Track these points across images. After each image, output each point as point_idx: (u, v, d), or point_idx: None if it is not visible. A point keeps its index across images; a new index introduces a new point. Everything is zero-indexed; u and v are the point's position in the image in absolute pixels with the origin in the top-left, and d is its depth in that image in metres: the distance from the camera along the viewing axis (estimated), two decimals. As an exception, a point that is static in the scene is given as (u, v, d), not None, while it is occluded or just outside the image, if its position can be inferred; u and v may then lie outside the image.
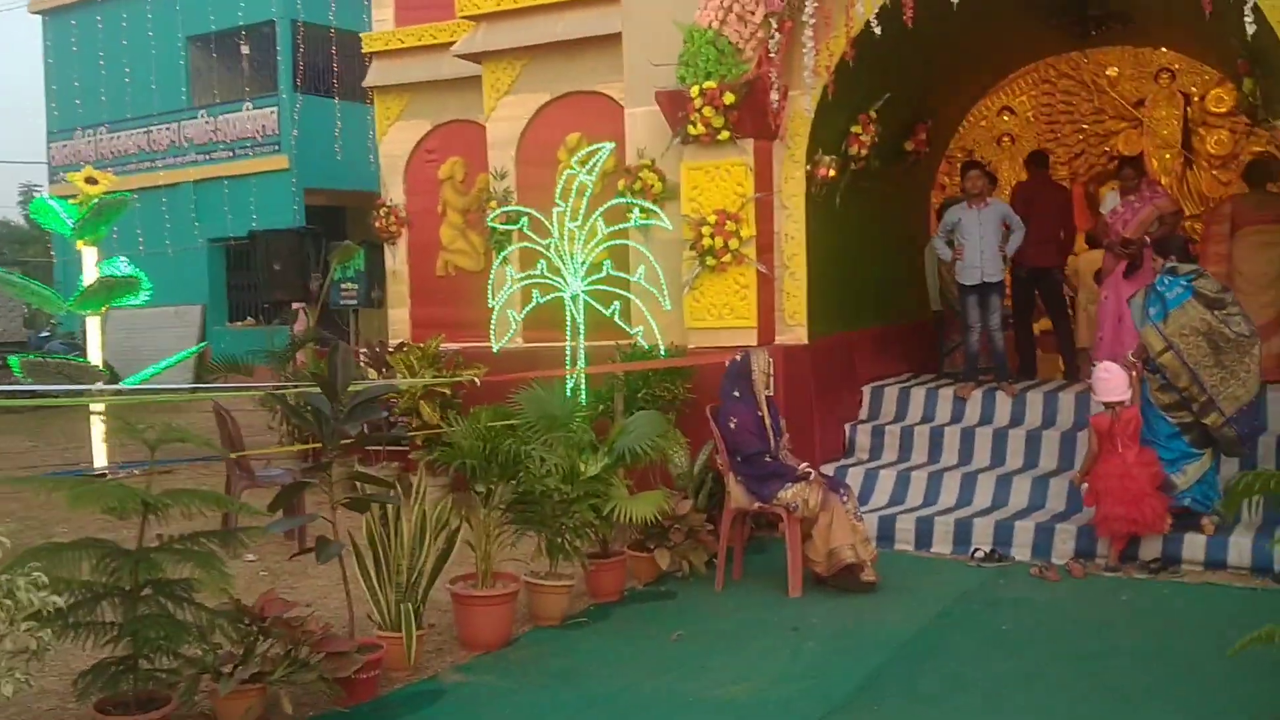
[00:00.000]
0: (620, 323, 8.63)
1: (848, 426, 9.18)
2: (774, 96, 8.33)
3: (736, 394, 6.99)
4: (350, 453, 8.60)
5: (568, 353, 8.69)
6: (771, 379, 7.07)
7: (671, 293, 8.63)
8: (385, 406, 9.63)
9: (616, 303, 8.59)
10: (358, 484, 5.31)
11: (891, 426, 9.06)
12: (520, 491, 6.06)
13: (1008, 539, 7.56)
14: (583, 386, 8.40)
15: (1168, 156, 13.52)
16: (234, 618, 4.71)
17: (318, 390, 5.16)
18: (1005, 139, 14.11)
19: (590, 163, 8.64)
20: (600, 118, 9.70)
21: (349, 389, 5.13)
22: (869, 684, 5.25)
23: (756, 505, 6.87)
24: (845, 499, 6.82)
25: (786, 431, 7.20)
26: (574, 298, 8.66)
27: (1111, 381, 7.14)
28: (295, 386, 7.91)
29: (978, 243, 9.00)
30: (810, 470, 6.89)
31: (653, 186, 8.95)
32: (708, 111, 8.31)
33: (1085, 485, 7.25)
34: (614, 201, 8.86)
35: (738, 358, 7.09)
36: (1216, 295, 7.17)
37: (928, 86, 10.02)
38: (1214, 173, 13.17)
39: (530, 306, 9.02)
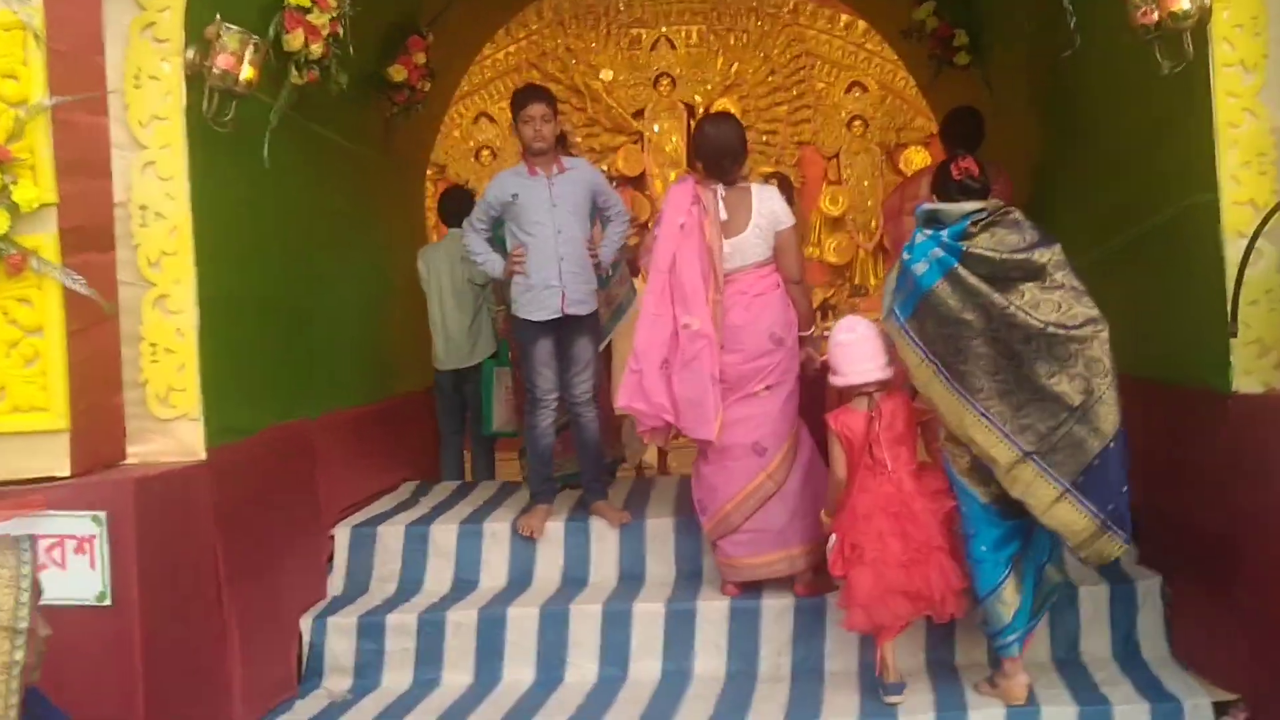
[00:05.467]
0: None
1: (308, 622, 4.08)
2: None
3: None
4: None
5: None
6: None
7: None
8: None
9: None
10: None
11: (399, 615, 4.10)
12: None
13: None
14: None
15: (673, 176, 10.27)
16: None
17: None
18: (485, 152, 10.33)
19: None
20: None
21: None
22: None
23: None
24: None
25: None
26: None
27: (856, 348, 3.63)
28: None
29: (552, 239, 4.36)
30: None
31: None
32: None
33: (833, 538, 3.63)
34: None
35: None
36: (1019, 257, 3.32)
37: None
38: (719, 192, 10.03)
39: None
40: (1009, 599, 3.45)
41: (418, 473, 5.57)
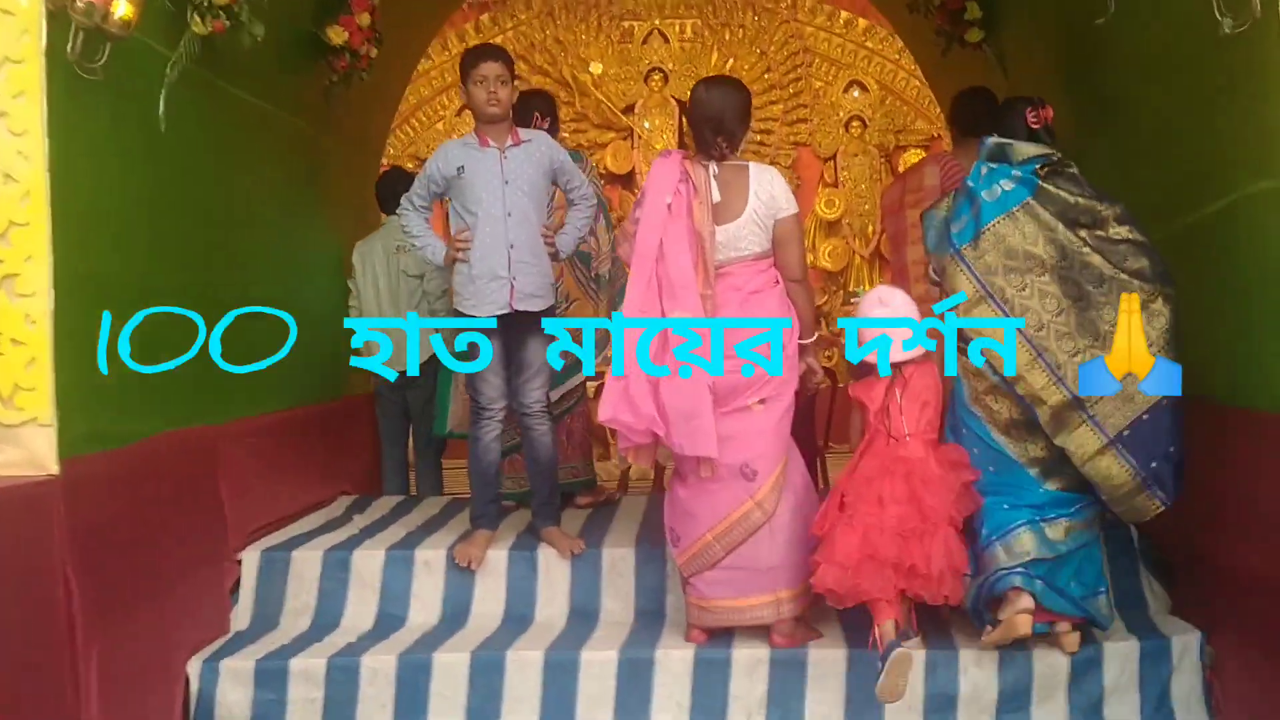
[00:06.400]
0: None
1: (197, 666, 3.42)
2: None
3: None
4: None
5: None
6: None
7: None
8: None
9: None
10: None
11: (305, 659, 3.44)
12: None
13: None
14: None
15: (667, 176, 9.61)
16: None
17: None
18: (469, 147, 9.42)
19: None
20: None
21: None
22: None
23: None
24: None
25: None
26: None
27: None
28: None
29: (501, 222, 3.73)
30: None
31: None
32: None
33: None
34: None
35: None
36: (1085, 202, 3.19)
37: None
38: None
39: None
40: (1019, 548, 3.10)
41: (358, 486, 4.94)
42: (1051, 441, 3.15)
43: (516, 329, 3.79)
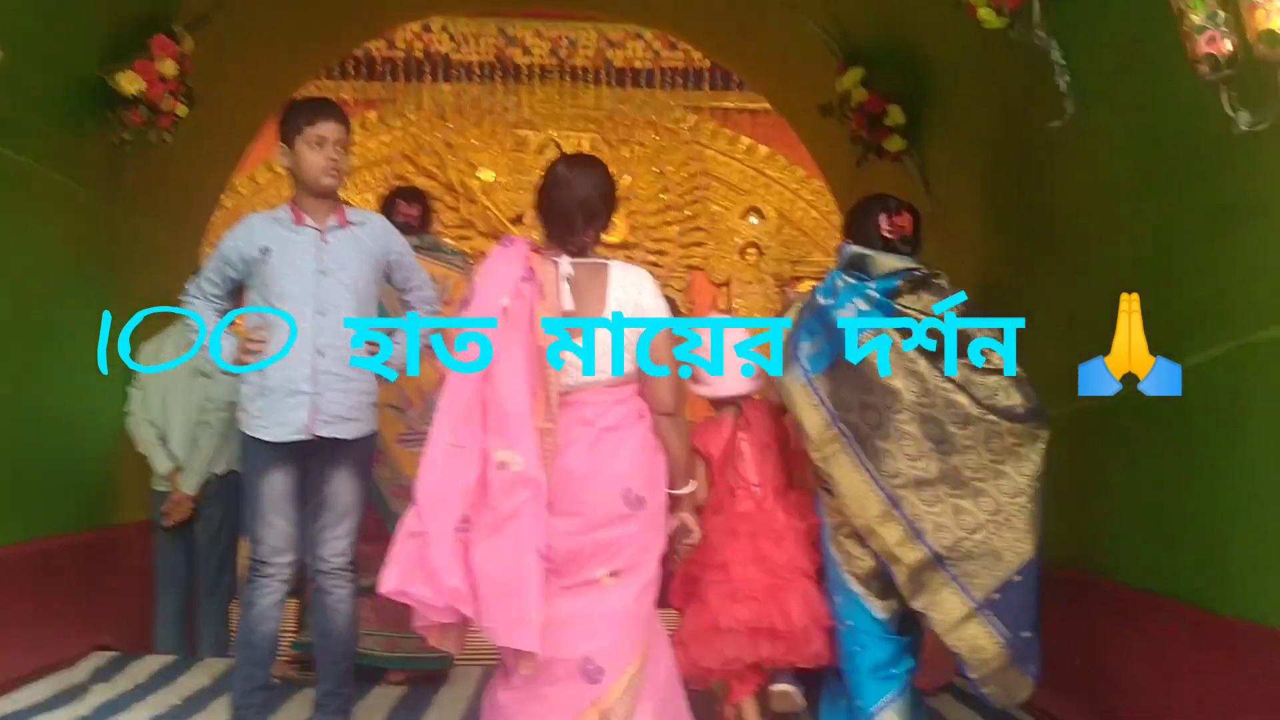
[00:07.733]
0: None
1: None
2: None
3: None
4: None
5: None
6: None
7: None
8: None
9: None
10: None
11: None
12: None
13: None
14: None
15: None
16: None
17: None
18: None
19: None
20: None
21: None
22: None
23: None
24: None
25: None
26: None
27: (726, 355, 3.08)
28: None
29: (309, 322, 2.82)
30: None
31: None
32: None
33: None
34: None
35: None
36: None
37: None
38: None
39: None
40: None
41: (123, 637, 3.83)
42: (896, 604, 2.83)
43: (318, 460, 2.85)
